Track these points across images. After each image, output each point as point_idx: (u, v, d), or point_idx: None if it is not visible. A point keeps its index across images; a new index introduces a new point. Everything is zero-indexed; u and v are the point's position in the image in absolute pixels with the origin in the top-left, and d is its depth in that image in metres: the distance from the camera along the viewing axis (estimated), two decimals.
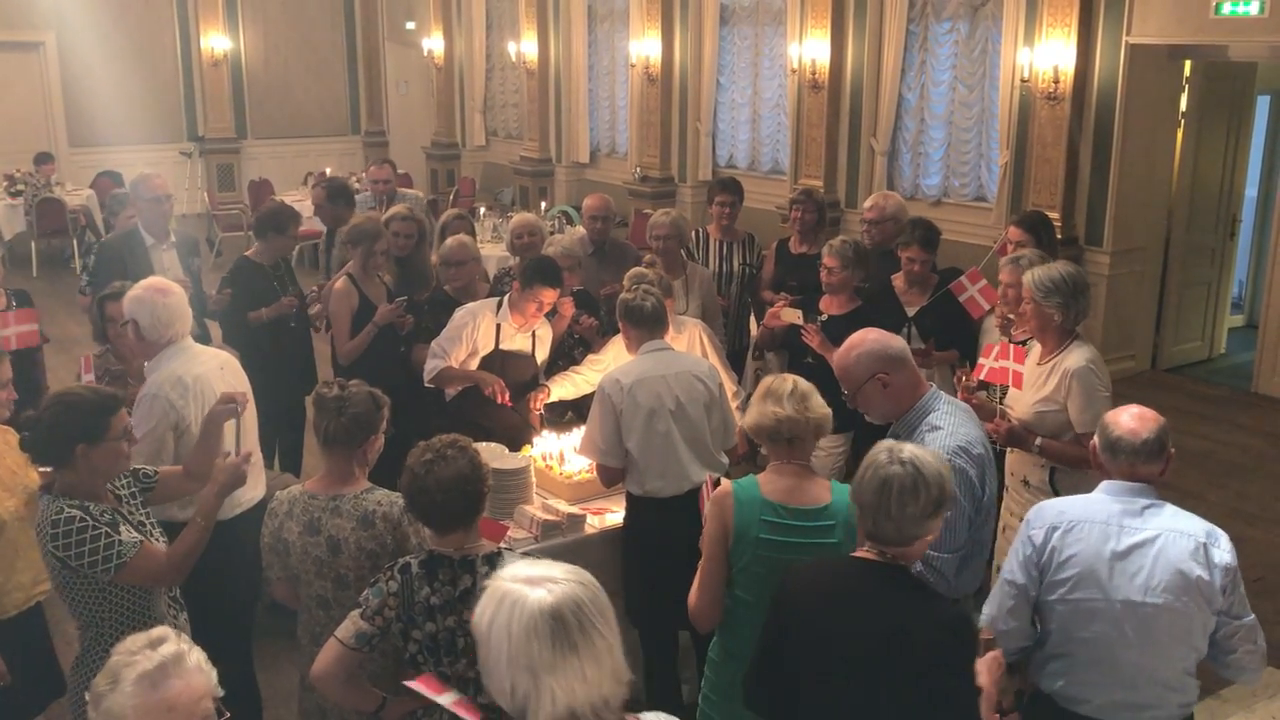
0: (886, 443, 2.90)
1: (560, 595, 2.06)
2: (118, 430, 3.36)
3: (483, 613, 2.09)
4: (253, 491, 4.40)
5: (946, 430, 3.51)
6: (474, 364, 5.39)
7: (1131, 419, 3.26)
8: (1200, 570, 3.11)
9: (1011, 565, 3.28)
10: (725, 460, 4.56)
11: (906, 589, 2.84)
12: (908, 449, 2.82)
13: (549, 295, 5.28)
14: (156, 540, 3.51)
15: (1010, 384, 4.53)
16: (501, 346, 5.42)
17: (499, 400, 5.29)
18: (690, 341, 5.32)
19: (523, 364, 5.47)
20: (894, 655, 2.70)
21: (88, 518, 3.26)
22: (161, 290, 4.23)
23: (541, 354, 5.60)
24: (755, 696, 3.02)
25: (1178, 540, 3.14)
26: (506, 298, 5.44)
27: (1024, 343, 4.92)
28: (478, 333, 5.36)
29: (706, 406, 4.46)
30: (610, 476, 4.55)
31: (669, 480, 4.38)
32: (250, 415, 4.22)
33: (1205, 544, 3.15)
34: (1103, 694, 3.21)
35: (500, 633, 2.05)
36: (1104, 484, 3.29)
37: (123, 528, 3.33)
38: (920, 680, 2.70)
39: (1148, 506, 3.21)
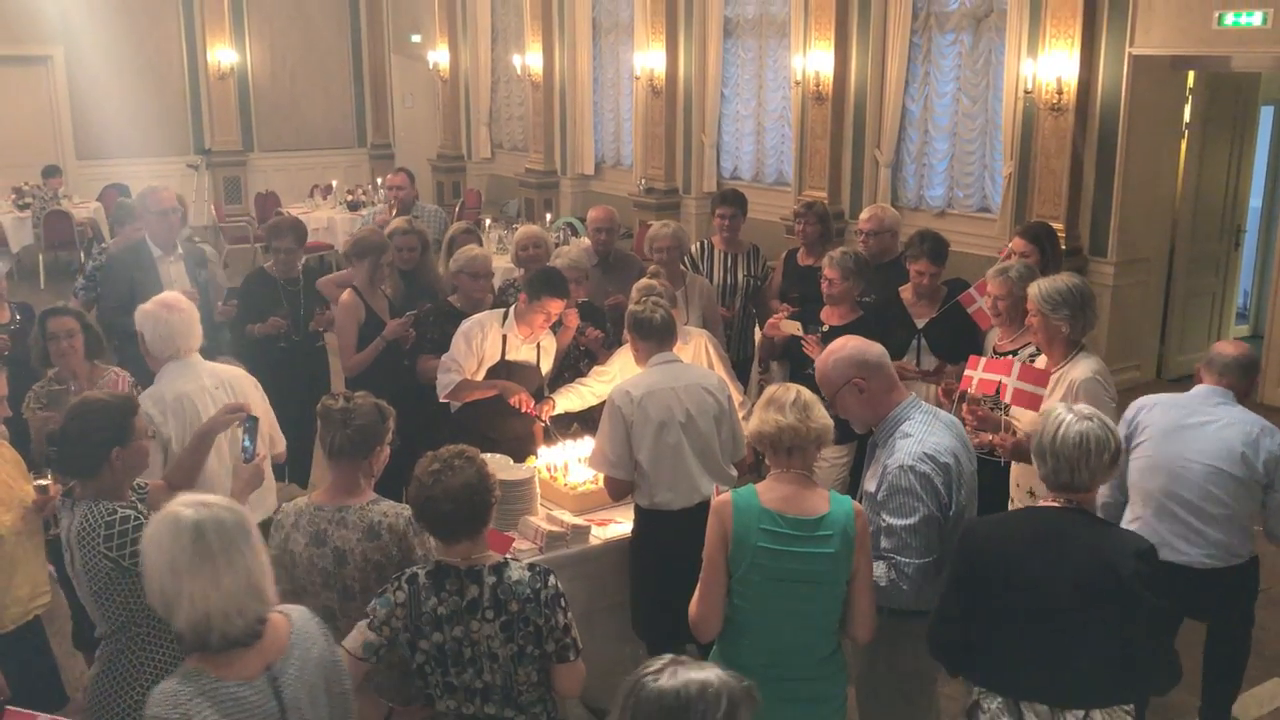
0: (1060, 404, 3.32)
1: (206, 515, 2.48)
2: (141, 429, 3.47)
3: (148, 529, 2.52)
4: (262, 511, 4.37)
5: (916, 438, 3.54)
6: (480, 375, 5.41)
7: (1227, 344, 4.54)
8: (1246, 448, 4.21)
9: None
10: (734, 473, 4.55)
11: (1100, 526, 3.29)
12: (1083, 407, 3.24)
13: (556, 306, 5.30)
14: None
15: (1001, 397, 4.53)
16: (507, 358, 5.43)
17: (523, 409, 5.29)
18: (696, 352, 5.32)
19: (528, 375, 5.49)
20: (1104, 585, 3.06)
21: (141, 518, 3.31)
22: (169, 306, 4.29)
23: (546, 365, 5.61)
24: (944, 646, 3.34)
25: (1234, 425, 4.26)
26: (513, 309, 5.45)
27: (1012, 354, 4.94)
28: (485, 343, 5.37)
29: (716, 419, 4.47)
30: (619, 489, 4.55)
31: (678, 493, 4.38)
32: (265, 424, 4.31)
33: (1257, 433, 4.24)
34: (1165, 539, 4.15)
35: (154, 542, 2.47)
36: (1198, 385, 4.46)
37: None
38: (1126, 604, 3.06)
39: (1220, 402, 4.34)
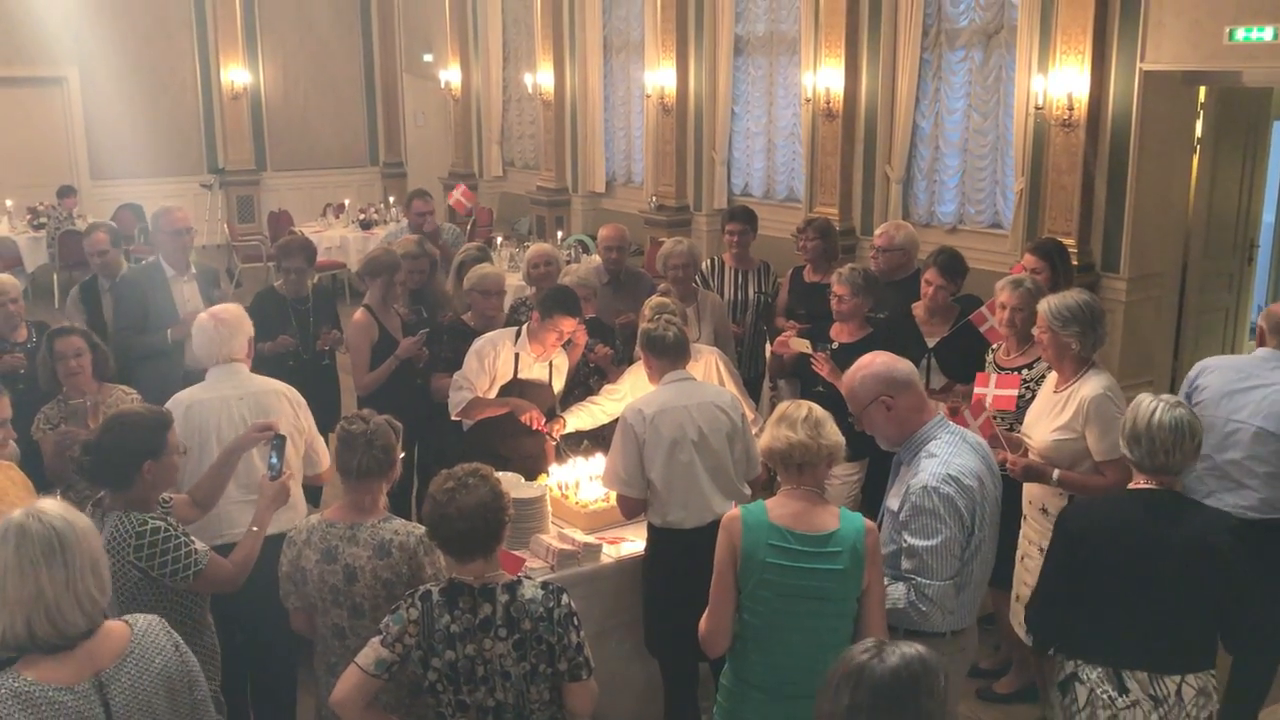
0: (1147, 395, 3.53)
1: (33, 522, 2.52)
2: (174, 444, 3.60)
3: None
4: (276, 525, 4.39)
5: (941, 458, 3.53)
6: (493, 393, 5.42)
7: None
8: None
9: None
10: (748, 491, 4.52)
11: (1192, 505, 3.59)
12: (1168, 397, 3.49)
13: (569, 324, 5.31)
14: None
15: (1004, 405, 4.52)
16: (520, 376, 5.43)
17: (535, 427, 5.30)
18: (706, 369, 5.32)
19: (541, 393, 5.49)
20: (1200, 558, 3.34)
21: (170, 529, 3.49)
22: (215, 316, 4.56)
23: (558, 383, 5.62)
24: (1044, 626, 3.62)
25: None
26: (525, 327, 5.46)
27: (1018, 369, 4.93)
28: (498, 361, 5.38)
29: (729, 436, 4.45)
30: (632, 508, 4.54)
31: (691, 511, 4.37)
32: (302, 441, 4.48)
33: None
34: (1212, 490, 4.51)
35: None
36: (1259, 348, 4.71)
37: (194, 538, 3.54)
38: (1220, 575, 3.35)
39: (1276, 367, 4.58)
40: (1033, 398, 4.82)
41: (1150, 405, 3.44)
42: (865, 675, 2.27)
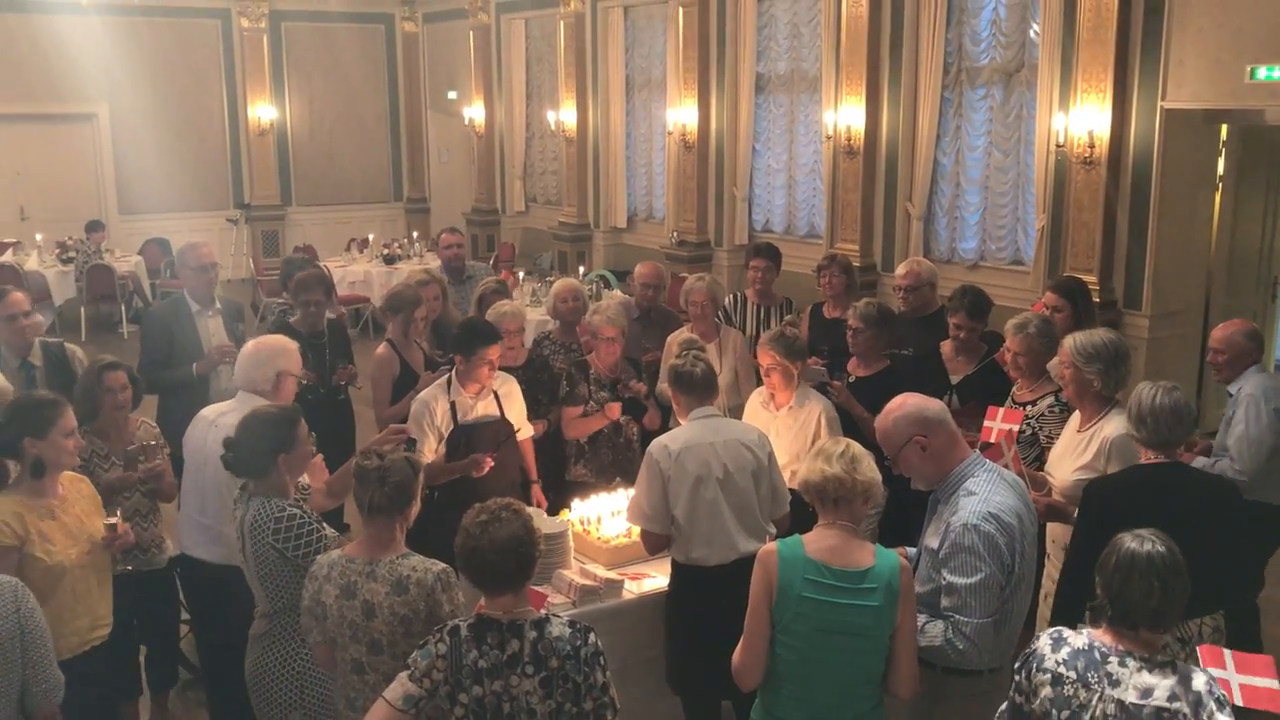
0: (1146, 384, 4.07)
1: None
2: (303, 438, 3.98)
3: None
4: None
5: (980, 496, 3.52)
6: (440, 448, 5.27)
7: None
8: None
9: None
10: (773, 530, 4.48)
11: (1198, 473, 4.30)
12: (1165, 384, 4.04)
13: (495, 352, 5.23)
14: None
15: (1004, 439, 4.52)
16: (462, 421, 5.28)
17: (484, 470, 5.18)
18: (809, 418, 5.23)
19: (495, 428, 5.36)
20: (1212, 518, 3.85)
21: (306, 516, 3.84)
22: (258, 343, 4.82)
23: (513, 409, 5.50)
24: (1074, 600, 3.75)
25: None
26: (453, 373, 5.33)
27: (1026, 405, 4.94)
28: (437, 419, 5.22)
29: (754, 475, 4.42)
30: (655, 543, 4.53)
31: (714, 549, 4.34)
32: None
33: None
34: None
35: None
36: None
37: (325, 524, 3.91)
38: (1229, 531, 3.88)
39: None
40: (1033, 434, 4.87)
41: (1150, 391, 4.02)
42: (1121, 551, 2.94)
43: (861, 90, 10.76)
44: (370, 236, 15.27)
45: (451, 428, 5.23)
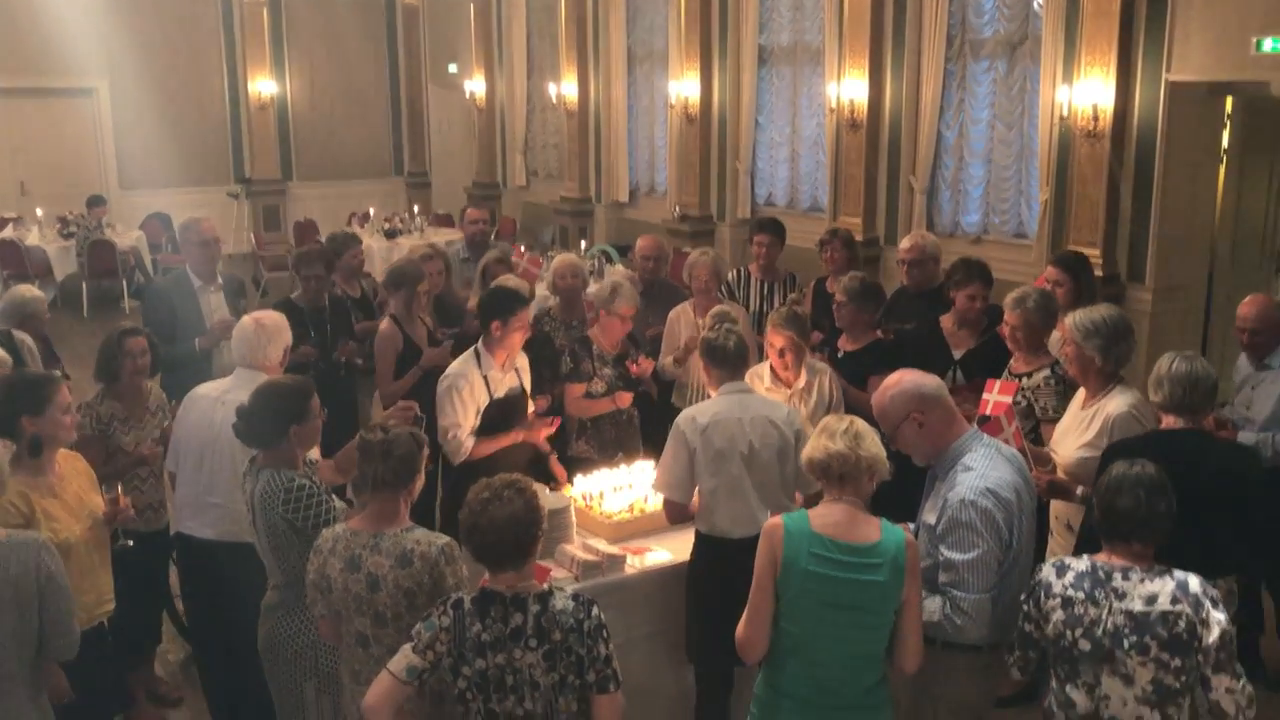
0: (1169, 353, 4.17)
1: None
2: (315, 410, 4.00)
3: None
4: None
5: (978, 472, 3.54)
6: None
7: None
8: None
9: None
10: (795, 507, 4.49)
11: (1217, 440, 4.36)
12: (1187, 353, 4.16)
13: (528, 314, 5.34)
14: None
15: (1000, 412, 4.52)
16: (495, 396, 5.26)
17: (548, 432, 5.32)
18: (822, 387, 5.33)
19: (520, 402, 5.39)
20: (1230, 482, 3.91)
21: (314, 487, 3.88)
22: (255, 319, 4.77)
23: (527, 381, 5.52)
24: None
25: None
26: (478, 348, 5.28)
27: (1020, 376, 4.94)
28: (473, 393, 5.19)
29: (780, 452, 4.42)
30: (678, 513, 4.55)
31: (738, 523, 4.36)
32: None
33: None
34: None
35: None
36: None
37: (334, 496, 3.96)
38: (1246, 494, 3.91)
39: None
40: (1029, 405, 4.90)
41: (1170, 359, 4.13)
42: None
43: (865, 63, 10.70)
44: (371, 211, 15.25)
45: (487, 402, 5.22)
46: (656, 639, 4.66)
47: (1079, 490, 4.35)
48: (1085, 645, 3.24)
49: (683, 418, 4.49)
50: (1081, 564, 3.31)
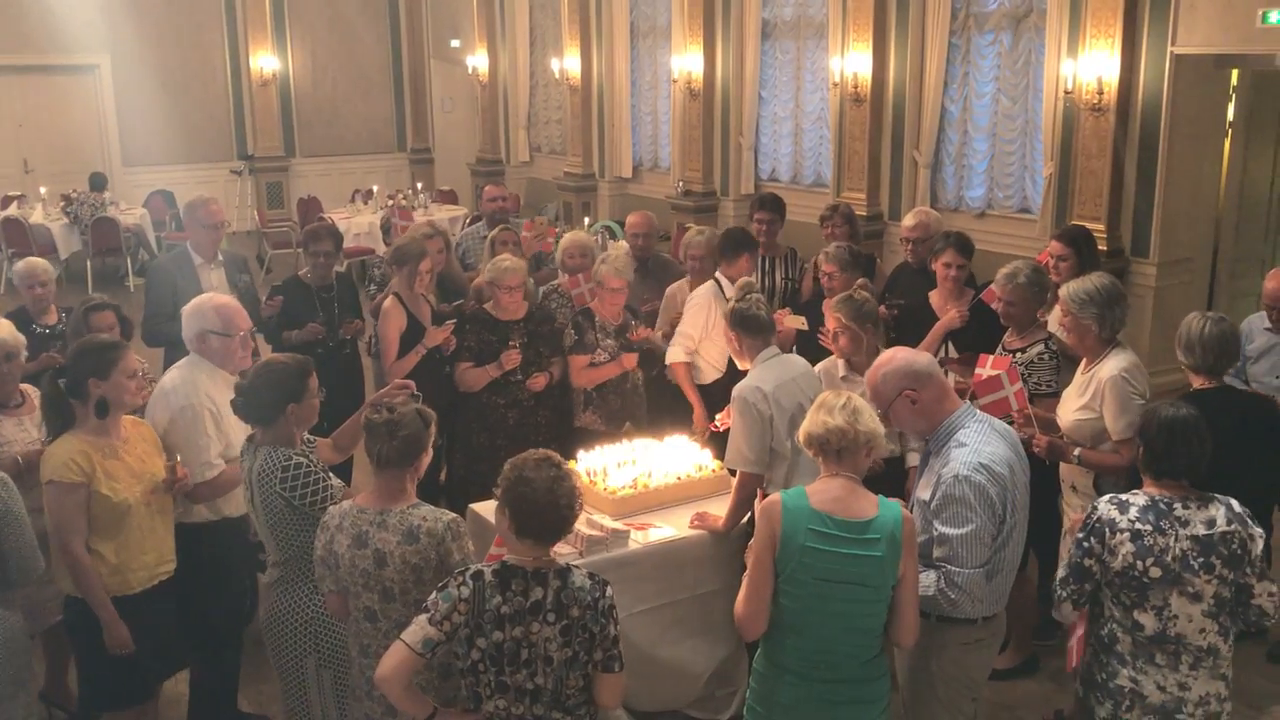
0: (1196, 314, 4.54)
1: None
2: (313, 389, 4.04)
3: None
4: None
5: (971, 447, 3.56)
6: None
7: None
8: None
9: None
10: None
11: (1242, 393, 4.89)
12: (1212, 314, 4.51)
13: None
14: None
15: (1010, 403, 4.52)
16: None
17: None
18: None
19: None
20: (1258, 429, 4.42)
21: (311, 465, 3.91)
22: (215, 304, 4.68)
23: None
24: None
25: None
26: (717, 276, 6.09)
27: (1015, 352, 4.97)
28: (712, 318, 5.81)
29: None
30: (755, 486, 4.54)
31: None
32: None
33: None
34: None
35: None
36: None
37: (331, 474, 3.99)
38: (1274, 446, 4.46)
39: None
40: (1023, 380, 4.88)
41: (1200, 322, 4.47)
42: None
43: (868, 37, 10.66)
44: (374, 187, 15.23)
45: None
46: (655, 614, 4.68)
47: (1076, 451, 4.49)
48: (1156, 571, 3.45)
49: (746, 391, 4.52)
50: (1140, 499, 3.54)
